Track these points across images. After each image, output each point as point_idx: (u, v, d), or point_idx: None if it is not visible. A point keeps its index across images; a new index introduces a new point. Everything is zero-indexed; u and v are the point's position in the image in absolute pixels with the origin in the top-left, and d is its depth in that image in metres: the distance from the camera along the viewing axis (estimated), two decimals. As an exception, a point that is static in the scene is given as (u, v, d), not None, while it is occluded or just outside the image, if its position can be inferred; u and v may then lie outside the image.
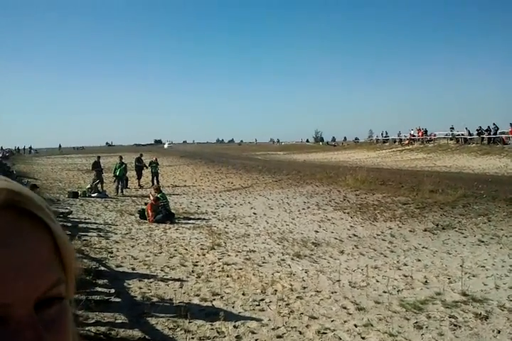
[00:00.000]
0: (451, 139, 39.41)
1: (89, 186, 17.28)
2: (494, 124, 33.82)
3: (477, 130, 36.01)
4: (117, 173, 18.07)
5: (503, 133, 33.49)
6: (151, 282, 6.53)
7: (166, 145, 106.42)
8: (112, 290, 6.16)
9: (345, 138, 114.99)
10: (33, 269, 0.40)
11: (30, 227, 0.42)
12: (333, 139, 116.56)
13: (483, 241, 8.67)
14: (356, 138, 75.73)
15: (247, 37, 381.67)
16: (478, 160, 28.10)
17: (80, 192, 16.66)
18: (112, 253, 8.25)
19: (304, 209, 13.11)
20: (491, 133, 33.88)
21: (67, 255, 0.45)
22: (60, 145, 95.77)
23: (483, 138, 34.64)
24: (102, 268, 7.25)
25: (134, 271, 7.11)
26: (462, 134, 38.15)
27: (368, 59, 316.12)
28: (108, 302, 5.72)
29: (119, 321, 5.13)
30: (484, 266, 7.08)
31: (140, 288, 6.28)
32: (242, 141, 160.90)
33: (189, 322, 5.02)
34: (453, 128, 40.51)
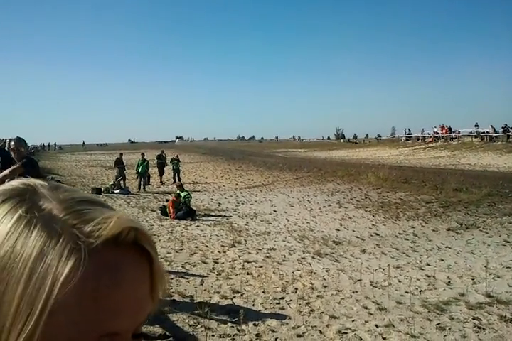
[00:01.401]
0: (475, 137, 38.69)
1: (112, 182, 17.52)
2: None
3: (503, 127, 35.29)
4: (140, 170, 18.30)
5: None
6: (172, 278, 6.58)
7: (176, 142, 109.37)
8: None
9: (367, 135, 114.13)
10: (138, 304, 0.43)
11: (142, 263, 0.44)
12: (355, 136, 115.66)
13: (508, 242, 8.49)
14: (378, 136, 75.15)
15: (270, 33, 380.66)
16: (503, 159, 27.53)
17: (103, 189, 16.89)
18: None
19: (324, 207, 13.04)
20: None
21: (159, 287, 0.47)
22: (83, 142, 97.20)
23: (509, 135, 33.95)
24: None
25: (156, 268, 7.16)
26: (487, 132, 37.42)
27: (392, 56, 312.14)
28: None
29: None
30: (509, 267, 6.93)
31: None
32: (262, 138, 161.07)
33: (209, 320, 5.04)
34: (477, 125, 39.78)
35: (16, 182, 0.45)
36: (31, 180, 0.46)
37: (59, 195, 0.44)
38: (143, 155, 19.56)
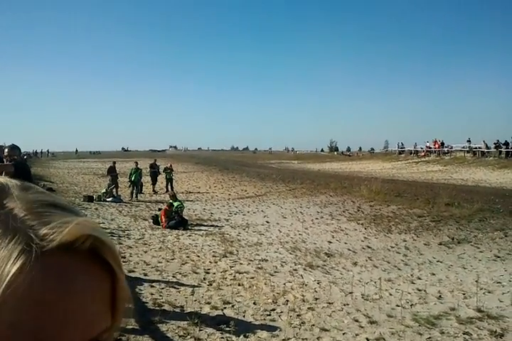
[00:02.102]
0: (468, 152, 38.99)
1: (104, 190, 17.45)
2: None
3: (495, 143, 35.61)
4: (133, 178, 18.29)
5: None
6: (162, 288, 6.54)
7: (167, 151, 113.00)
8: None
9: (360, 148, 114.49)
10: (91, 317, 0.41)
11: (99, 274, 0.42)
12: (348, 149, 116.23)
13: (499, 257, 8.53)
14: (372, 149, 75.41)
15: (267, 44, 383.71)
16: (495, 174, 27.73)
17: (95, 197, 16.81)
18: (124, 258, 8.27)
19: (317, 218, 13.04)
20: (510, 147, 33.47)
21: (121, 303, 0.45)
22: (76, 150, 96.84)
23: (500, 151, 34.24)
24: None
25: (146, 277, 7.13)
26: (479, 147, 37.75)
27: (385, 69, 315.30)
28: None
29: (130, 327, 5.13)
30: (500, 282, 6.95)
31: (151, 294, 6.28)
32: (256, 149, 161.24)
33: (199, 330, 5.01)
34: (470, 140, 40.14)
35: None
36: (6, 179, 0.45)
37: (27, 196, 0.43)
38: (136, 163, 19.56)
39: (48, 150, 79.38)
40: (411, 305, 6.05)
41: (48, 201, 0.43)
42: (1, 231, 0.39)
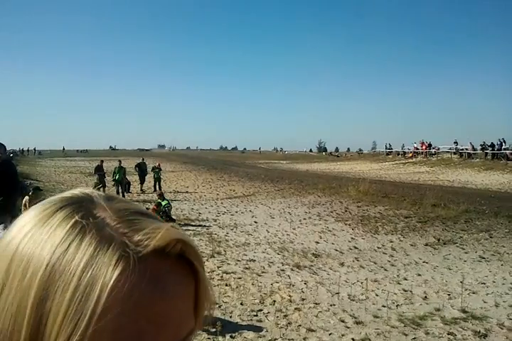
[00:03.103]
0: (454, 153, 39.39)
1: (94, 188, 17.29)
2: (500, 140, 33.96)
3: (481, 145, 36.03)
4: (116, 177, 18.18)
5: (507, 149, 33.48)
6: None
7: (153, 150, 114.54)
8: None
9: (348, 149, 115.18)
10: (182, 318, 0.44)
11: (187, 277, 0.45)
12: (337, 149, 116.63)
13: (484, 258, 8.63)
14: (360, 149, 75.73)
15: (252, 45, 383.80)
16: (481, 176, 28.05)
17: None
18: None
19: (305, 219, 13.08)
20: (496, 149, 33.89)
21: (204, 305, 0.47)
22: (63, 148, 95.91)
23: (486, 153, 34.64)
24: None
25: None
26: (466, 149, 38.16)
27: (374, 71, 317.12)
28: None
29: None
30: (485, 283, 7.04)
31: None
32: (245, 148, 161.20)
33: (186, 331, 4.99)
34: (457, 142, 40.56)
35: (76, 191, 0.47)
36: (90, 190, 0.48)
37: (113, 205, 0.45)
38: (120, 162, 19.44)
39: (34, 149, 78.64)
40: (397, 305, 6.10)
41: (134, 209, 0.46)
42: (98, 238, 0.41)
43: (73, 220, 0.42)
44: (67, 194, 0.47)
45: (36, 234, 0.42)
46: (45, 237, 0.41)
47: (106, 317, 0.38)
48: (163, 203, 12.31)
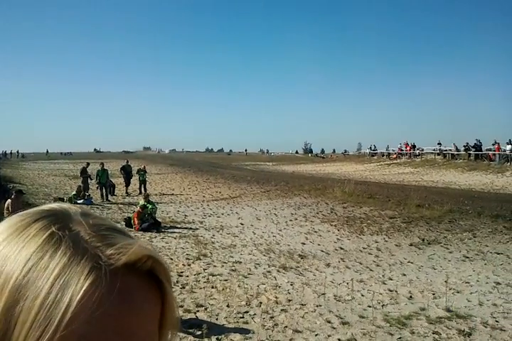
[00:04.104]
0: (438, 154, 39.83)
1: (75, 192, 17.12)
2: (477, 140, 34.64)
3: (464, 146, 36.49)
4: (101, 180, 18.04)
5: (489, 149, 33.97)
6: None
7: (137, 152, 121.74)
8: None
9: (334, 150, 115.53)
10: (146, 335, 0.44)
11: (154, 294, 0.46)
12: (322, 151, 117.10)
13: (468, 257, 8.73)
14: (345, 151, 76.23)
15: (237, 47, 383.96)
16: (464, 176, 28.40)
17: (65, 199, 16.47)
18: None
19: (291, 220, 13.10)
20: (478, 150, 34.37)
21: (168, 325, 0.48)
22: (47, 151, 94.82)
23: (470, 154, 35.10)
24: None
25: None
26: (450, 150, 38.61)
27: (359, 72, 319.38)
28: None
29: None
30: (468, 282, 7.12)
31: None
32: (231, 150, 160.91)
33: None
34: (440, 143, 41.04)
35: (53, 205, 0.49)
36: (67, 205, 0.50)
37: (89, 220, 0.47)
38: (102, 164, 19.26)
39: (17, 151, 77.42)
40: (382, 305, 6.13)
41: (108, 225, 0.48)
42: (72, 250, 0.42)
43: (49, 231, 0.44)
44: (45, 207, 0.48)
45: (12, 242, 0.43)
46: (21, 245, 0.43)
47: (73, 325, 0.39)
48: (149, 206, 12.23)
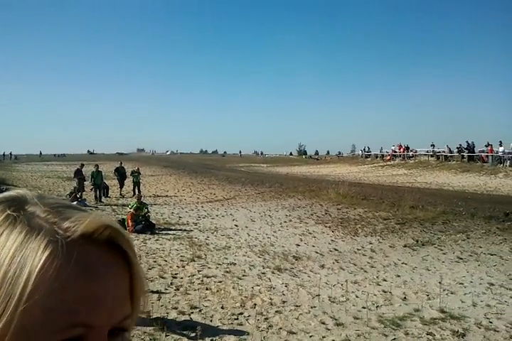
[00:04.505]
0: (431, 156, 40.04)
1: (68, 193, 17.04)
2: (467, 142, 35.15)
3: (457, 148, 36.70)
4: (96, 181, 18.02)
5: (482, 151, 34.18)
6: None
7: (129, 154, 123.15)
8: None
9: (328, 152, 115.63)
10: (115, 302, 0.46)
11: (118, 263, 0.48)
12: (316, 153, 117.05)
13: (461, 258, 8.76)
14: (339, 153, 76.31)
15: (231, 49, 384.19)
16: (458, 178, 28.55)
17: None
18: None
19: (285, 222, 13.11)
20: (471, 151, 34.59)
21: (139, 291, 0.50)
22: (40, 152, 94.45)
23: (463, 155, 35.30)
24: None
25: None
26: (443, 151, 38.81)
27: (352, 74, 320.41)
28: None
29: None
30: (462, 283, 7.14)
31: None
32: (225, 152, 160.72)
33: (166, 336, 4.95)
34: (433, 145, 41.26)
35: (11, 192, 0.50)
36: (24, 191, 0.51)
37: (44, 201, 0.48)
38: (97, 166, 19.24)
39: (10, 153, 76.96)
40: (376, 306, 6.14)
41: (62, 203, 0.49)
42: (28, 228, 0.44)
43: (5, 214, 0.46)
44: (3, 194, 0.50)
45: None
46: None
47: (34, 297, 0.40)
48: (145, 209, 12.22)
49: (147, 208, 12.46)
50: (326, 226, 12.25)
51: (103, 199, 18.37)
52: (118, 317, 0.46)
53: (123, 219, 11.98)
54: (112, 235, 0.47)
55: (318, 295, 6.58)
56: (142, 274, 0.51)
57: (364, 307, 6.02)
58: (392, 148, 47.06)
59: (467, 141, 35.67)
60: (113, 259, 0.47)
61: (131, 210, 11.99)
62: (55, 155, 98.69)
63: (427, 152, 41.43)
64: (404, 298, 6.51)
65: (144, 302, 0.52)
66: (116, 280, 0.46)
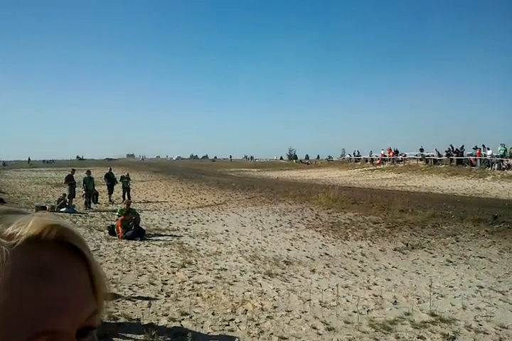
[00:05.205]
0: (421, 160, 40.31)
1: (58, 198, 16.91)
2: (451, 146, 35.76)
3: (446, 151, 37.00)
4: (88, 187, 17.95)
5: (470, 154, 34.48)
6: (118, 301, 6.37)
7: (120, 160, 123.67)
8: (78, 309, 5.98)
9: (318, 156, 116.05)
10: (77, 301, 0.44)
11: (74, 261, 0.46)
12: (307, 157, 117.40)
13: (451, 262, 8.81)
14: (329, 157, 76.57)
15: (221, 53, 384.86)
16: (447, 181, 28.74)
17: (48, 207, 16.26)
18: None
19: (276, 226, 13.10)
20: (460, 155, 34.90)
21: (100, 287, 0.49)
22: (29, 158, 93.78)
23: (452, 159, 35.58)
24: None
25: (101, 289, 6.92)
26: (432, 155, 39.09)
27: (342, 79, 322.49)
28: (73, 321, 5.54)
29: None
30: (452, 287, 7.18)
31: (106, 307, 6.09)
32: (216, 157, 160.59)
33: (156, 343, 4.90)
34: (422, 149, 41.56)
35: None
36: None
37: None
38: (89, 172, 19.16)
39: (-2, 159, 76.34)
40: (367, 310, 6.15)
41: (4, 209, 0.47)
42: None
43: None
44: None
45: None
46: None
47: None
48: (136, 212, 12.18)
49: (136, 213, 12.39)
50: (316, 231, 12.27)
51: (92, 205, 18.25)
52: (84, 317, 0.45)
53: (112, 226, 11.91)
54: (61, 234, 0.45)
55: (309, 299, 6.58)
56: (100, 269, 0.49)
57: (355, 312, 6.02)
58: (382, 152, 47.32)
59: (451, 145, 36.40)
60: (68, 258, 0.45)
61: (121, 216, 11.91)
62: (43, 161, 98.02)
63: (416, 156, 41.71)
64: (395, 301, 6.52)
65: (107, 297, 0.51)
66: (74, 280, 0.45)
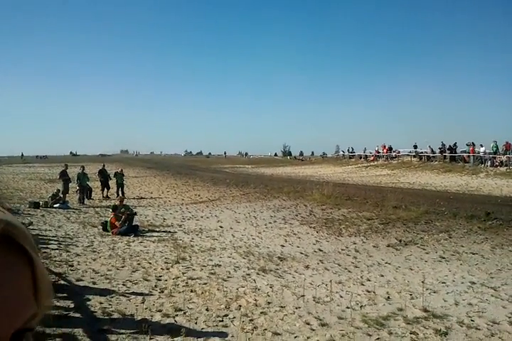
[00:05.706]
0: (414, 156, 40.49)
1: (51, 194, 16.83)
2: (442, 143, 36.05)
3: (439, 148, 37.16)
4: (82, 183, 17.91)
5: (464, 151, 34.66)
6: (112, 297, 6.37)
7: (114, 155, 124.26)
8: (72, 305, 5.98)
9: (312, 152, 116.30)
10: (16, 304, 0.42)
11: (17, 261, 0.43)
12: (301, 153, 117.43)
13: (444, 258, 8.87)
14: (324, 153, 76.67)
15: (214, 49, 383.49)
16: (440, 178, 28.89)
17: (41, 203, 16.19)
18: (72, 266, 8.01)
19: (270, 223, 13.12)
20: (453, 152, 35.07)
21: (43, 289, 0.46)
22: (22, 154, 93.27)
23: (445, 156, 35.75)
24: (62, 282, 7.02)
25: (95, 286, 6.92)
26: (425, 152, 39.27)
27: (336, 75, 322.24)
28: (67, 317, 5.54)
29: (78, 337, 4.97)
30: (445, 282, 7.23)
31: (100, 303, 6.11)
32: (210, 153, 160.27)
33: (150, 339, 4.91)
34: (416, 146, 41.72)
35: None
36: None
37: None
38: (83, 168, 19.11)
39: (-9, 155, 75.92)
40: (360, 306, 6.18)
41: None
42: None
43: None
44: None
45: None
46: None
47: None
48: (127, 209, 12.14)
49: (131, 209, 12.38)
50: (310, 227, 12.30)
51: (86, 201, 18.20)
52: (22, 320, 0.43)
53: (106, 222, 11.88)
54: (8, 230, 0.43)
55: (303, 295, 6.60)
56: (44, 271, 0.47)
57: (348, 307, 6.05)
58: (376, 148, 47.46)
59: (442, 142, 36.72)
60: (11, 257, 0.43)
61: (113, 212, 11.90)
62: (37, 156, 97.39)
63: (410, 152, 41.89)
64: (388, 297, 6.56)
65: (49, 298, 0.48)
66: (16, 280, 0.43)
